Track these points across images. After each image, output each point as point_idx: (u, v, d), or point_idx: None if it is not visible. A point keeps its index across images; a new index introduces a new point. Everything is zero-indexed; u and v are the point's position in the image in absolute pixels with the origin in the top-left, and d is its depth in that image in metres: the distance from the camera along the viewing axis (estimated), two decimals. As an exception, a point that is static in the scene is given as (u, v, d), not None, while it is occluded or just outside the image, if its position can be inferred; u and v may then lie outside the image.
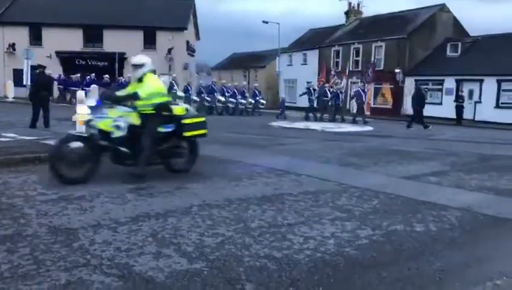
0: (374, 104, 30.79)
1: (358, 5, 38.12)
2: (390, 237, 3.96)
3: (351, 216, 4.57)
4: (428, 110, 18.41)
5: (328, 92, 22.62)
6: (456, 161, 8.86)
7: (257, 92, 26.54)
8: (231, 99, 24.51)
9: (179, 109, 6.46)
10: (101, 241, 3.56)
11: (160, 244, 3.56)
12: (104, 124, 5.74)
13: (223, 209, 4.66)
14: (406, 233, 4.08)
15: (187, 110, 6.64)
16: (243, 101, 25.23)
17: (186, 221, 4.19)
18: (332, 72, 33.68)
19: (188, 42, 35.10)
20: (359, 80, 30.84)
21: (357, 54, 33.38)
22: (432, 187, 6.21)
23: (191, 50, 36.36)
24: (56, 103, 21.36)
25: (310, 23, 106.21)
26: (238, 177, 6.41)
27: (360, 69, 32.42)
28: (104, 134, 5.76)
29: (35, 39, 32.33)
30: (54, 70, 23.72)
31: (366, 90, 24.66)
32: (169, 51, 32.18)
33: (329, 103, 22.44)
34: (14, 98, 25.60)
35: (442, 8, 31.56)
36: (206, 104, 23.86)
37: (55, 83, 22.25)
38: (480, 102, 25.91)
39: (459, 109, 24.34)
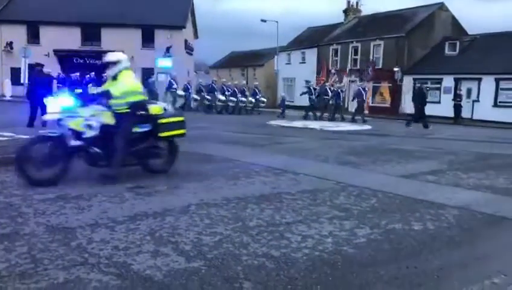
0: (372, 102, 30.80)
1: (356, 3, 38.15)
2: (389, 235, 3.97)
3: (349, 215, 4.57)
4: (426, 109, 18.44)
5: (329, 91, 22.64)
6: (454, 159, 8.87)
7: (257, 91, 26.54)
8: (231, 98, 24.49)
9: (155, 108, 6.24)
10: (98, 240, 3.55)
11: (158, 243, 3.55)
12: (75, 123, 5.53)
13: (221, 208, 4.66)
14: (404, 232, 4.08)
15: (165, 109, 6.44)
16: (243, 99, 25.21)
17: (184, 220, 4.19)
18: (333, 71, 33.69)
19: (186, 41, 35.08)
20: (358, 79, 30.86)
21: (356, 53, 33.40)
22: (430, 186, 6.22)
23: (189, 49, 36.33)
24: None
25: (308, 22, 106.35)
26: (236, 176, 6.41)
27: (358, 67, 32.44)
28: (76, 134, 5.55)
29: (33, 37, 32.30)
30: (52, 69, 23.62)
31: (366, 88, 24.67)
32: (168, 49, 32.12)
33: (330, 102, 22.45)
34: (11, 96, 25.56)
35: (441, 6, 31.59)
36: (207, 102, 23.86)
37: (55, 82, 22.20)
38: (478, 101, 25.95)
39: (457, 108, 24.37)
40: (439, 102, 27.31)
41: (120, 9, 32.58)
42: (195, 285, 2.84)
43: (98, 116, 5.66)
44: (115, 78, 5.94)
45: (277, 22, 36.07)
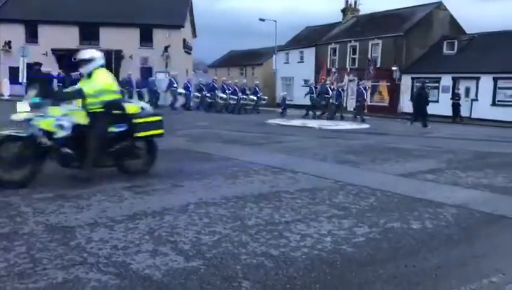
0: (370, 101, 30.79)
1: (355, 2, 38.24)
2: (387, 234, 3.97)
3: (348, 214, 4.58)
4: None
5: (330, 90, 22.69)
6: (452, 158, 8.89)
7: (257, 90, 26.56)
8: (232, 96, 24.50)
9: (132, 107, 6.05)
10: (97, 240, 3.55)
11: (156, 242, 3.55)
12: (45, 123, 5.28)
13: (219, 207, 4.66)
14: (403, 230, 4.09)
15: (142, 108, 6.25)
16: (244, 97, 25.21)
17: (182, 219, 4.19)
18: (333, 70, 33.71)
19: (184, 40, 35.01)
20: (356, 78, 30.85)
21: (354, 52, 33.43)
22: (429, 185, 6.23)
23: (187, 48, 36.28)
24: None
25: (306, 21, 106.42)
26: (234, 175, 6.41)
27: (357, 66, 32.44)
28: (48, 134, 5.30)
29: (31, 36, 32.17)
30: (51, 68, 23.59)
31: (367, 87, 24.71)
32: (166, 48, 32.10)
33: (331, 101, 22.50)
34: (9, 95, 25.50)
35: (439, 5, 31.65)
36: (208, 100, 23.89)
37: (55, 80, 22.15)
38: (476, 100, 26.01)
39: (456, 107, 24.43)
40: (437, 101, 27.34)
41: (118, 8, 32.49)
42: (194, 284, 2.84)
43: (71, 116, 5.44)
44: (89, 76, 5.73)
45: (275, 21, 36.18)
